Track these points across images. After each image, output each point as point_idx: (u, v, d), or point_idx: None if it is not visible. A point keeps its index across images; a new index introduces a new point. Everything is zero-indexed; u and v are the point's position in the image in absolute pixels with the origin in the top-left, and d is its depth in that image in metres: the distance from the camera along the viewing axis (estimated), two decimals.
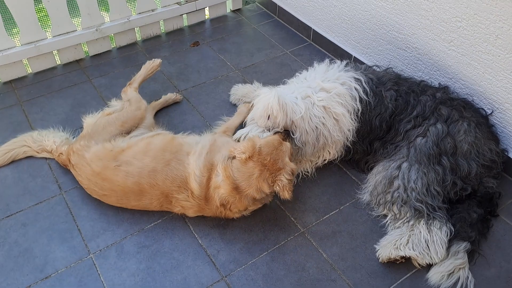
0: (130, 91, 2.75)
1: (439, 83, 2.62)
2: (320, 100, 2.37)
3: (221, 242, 2.28)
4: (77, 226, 2.34)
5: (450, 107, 2.36)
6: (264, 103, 2.32)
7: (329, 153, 2.55)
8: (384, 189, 2.31)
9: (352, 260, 2.21)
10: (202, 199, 2.21)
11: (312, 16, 3.55)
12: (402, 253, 2.11)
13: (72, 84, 3.22)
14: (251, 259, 2.21)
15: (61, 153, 2.52)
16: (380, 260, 2.18)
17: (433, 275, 2.10)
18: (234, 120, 2.70)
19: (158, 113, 2.98)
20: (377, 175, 2.37)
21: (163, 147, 2.31)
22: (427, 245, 2.12)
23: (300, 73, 2.68)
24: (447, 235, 2.14)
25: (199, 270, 2.17)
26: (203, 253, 2.23)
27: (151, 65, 2.91)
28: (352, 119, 2.41)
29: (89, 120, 2.57)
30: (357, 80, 2.44)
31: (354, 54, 3.29)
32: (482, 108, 2.51)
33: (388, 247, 2.16)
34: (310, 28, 3.60)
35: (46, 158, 2.65)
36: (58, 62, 3.39)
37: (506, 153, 2.51)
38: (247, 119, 2.54)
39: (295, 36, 3.74)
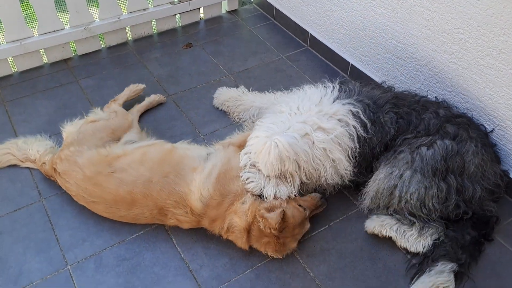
0: (115, 105, 2.69)
1: (435, 97, 2.52)
2: (320, 141, 2.17)
3: (205, 257, 2.19)
4: (56, 236, 2.25)
5: (455, 125, 2.24)
6: (270, 153, 2.09)
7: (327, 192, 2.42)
8: (385, 200, 2.22)
9: (339, 280, 2.12)
10: (205, 216, 2.14)
11: (309, 20, 3.44)
12: (384, 233, 2.22)
13: (58, 85, 3.12)
14: (234, 276, 2.12)
15: (44, 163, 2.42)
16: (365, 229, 2.28)
17: None
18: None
19: (145, 118, 2.88)
20: (379, 183, 2.23)
21: (161, 158, 2.24)
22: (410, 239, 2.20)
23: (288, 92, 2.52)
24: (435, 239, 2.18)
25: (180, 286, 2.08)
26: (185, 268, 2.14)
27: (135, 88, 2.92)
28: (349, 160, 2.25)
29: (70, 128, 2.48)
30: (354, 114, 2.23)
31: (351, 61, 3.18)
32: (482, 125, 2.41)
33: (376, 222, 2.23)
34: (307, 32, 3.49)
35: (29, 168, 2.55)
36: (45, 61, 3.29)
37: (507, 174, 2.41)
38: (245, 155, 2.26)
39: (292, 40, 3.63)
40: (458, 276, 2.07)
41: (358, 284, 2.10)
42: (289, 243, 2.11)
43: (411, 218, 2.18)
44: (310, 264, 2.18)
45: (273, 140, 2.09)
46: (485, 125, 2.42)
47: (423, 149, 2.18)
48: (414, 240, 2.19)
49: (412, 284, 2.06)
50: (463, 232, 2.16)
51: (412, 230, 2.20)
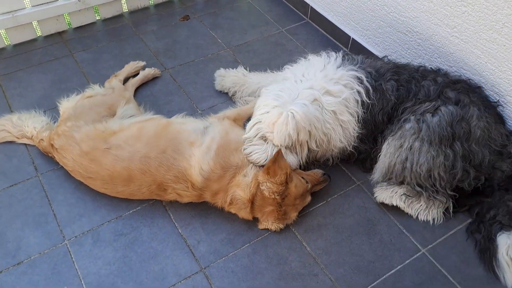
0: (115, 81, 2.67)
1: (436, 67, 2.47)
2: (329, 104, 2.19)
3: (202, 232, 2.20)
4: (53, 211, 2.25)
5: (456, 90, 2.22)
6: (288, 124, 2.08)
7: (331, 158, 2.43)
8: (398, 174, 2.24)
9: (336, 254, 2.14)
10: (206, 190, 2.14)
11: None
12: (394, 203, 2.27)
13: (53, 58, 3.07)
14: (232, 251, 2.14)
15: (41, 140, 2.39)
16: (375, 198, 2.33)
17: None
18: (249, 108, 2.50)
19: (142, 93, 2.85)
20: (390, 157, 2.23)
21: (158, 133, 2.22)
22: (418, 210, 2.27)
23: (291, 66, 2.47)
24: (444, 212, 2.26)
25: (178, 260, 2.09)
26: (183, 243, 2.16)
27: (135, 65, 2.92)
28: (355, 125, 2.26)
29: (66, 104, 2.45)
30: (359, 80, 2.26)
31: (352, 35, 3.12)
32: (481, 87, 2.37)
33: (386, 193, 2.28)
34: (308, 5, 3.41)
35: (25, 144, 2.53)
36: (39, 34, 3.22)
37: None
38: (254, 125, 2.22)
39: (292, 13, 3.55)
40: None
41: (354, 258, 2.12)
42: (290, 211, 2.15)
43: (419, 189, 2.21)
44: (307, 239, 2.19)
45: (289, 110, 2.08)
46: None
47: (428, 116, 2.17)
48: (423, 211, 2.26)
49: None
50: (505, 201, 2.16)
51: (419, 203, 2.25)
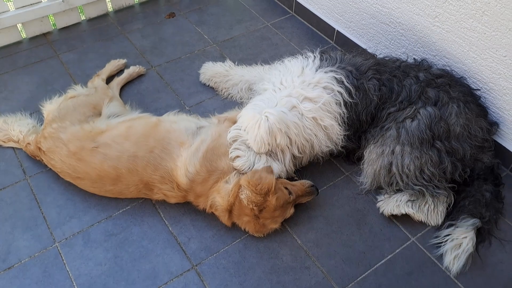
0: (98, 81, 2.65)
1: (414, 59, 2.47)
2: (308, 111, 2.16)
3: (193, 229, 2.21)
4: (42, 213, 2.25)
5: (436, 88, 2.23)
6: (260, 127, 2.07)
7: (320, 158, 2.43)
8: (385, 179, 2.23)
9: (327, 246, 2.15)
10: (190, 192, 2.13)
11: None
12: (403, 211, 2.20)
13: (39, 60, 3.04)
14: (223, 247, 2.15)
15: (28, 143, 2.37)
16: (381, 212, 2.26)
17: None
18: None
19: (129, 92, 2.84)
20: (374, 165, 2.25)
21: (146, 132, 2.20)
22: (428, 212, 2.22)
23: (276, 63, 2.47)
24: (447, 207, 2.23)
25: (169, 258, 2.10)
26: (173, 241, 2.16)
27: (116, 63, 2.91)
28: (340, 126, 2.25)
29: (50, 107, 2.43)
30: (338, 81, 2.24)
31: (337, 28, 3.13)
32: (463, 77, 2.39)
33: (391, 204, 2.22)
34: None
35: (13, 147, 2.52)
36: (24, 36, 3.20)
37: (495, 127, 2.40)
38: (236, 134, 2.21)
39: (277, 7, 3.54)
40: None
41: (345, 249, 2.14)
42: (269, 224, 2.10)
43: (418, 188, 2.17)
44: (298, 231, 2.20)
45: (263, 114, 2.07)
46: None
47: (408, 121, 2.18)
48: (432, 213, 2.20)
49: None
50: (481, 190, 2.20)
51: (426, 203, 2.20)
